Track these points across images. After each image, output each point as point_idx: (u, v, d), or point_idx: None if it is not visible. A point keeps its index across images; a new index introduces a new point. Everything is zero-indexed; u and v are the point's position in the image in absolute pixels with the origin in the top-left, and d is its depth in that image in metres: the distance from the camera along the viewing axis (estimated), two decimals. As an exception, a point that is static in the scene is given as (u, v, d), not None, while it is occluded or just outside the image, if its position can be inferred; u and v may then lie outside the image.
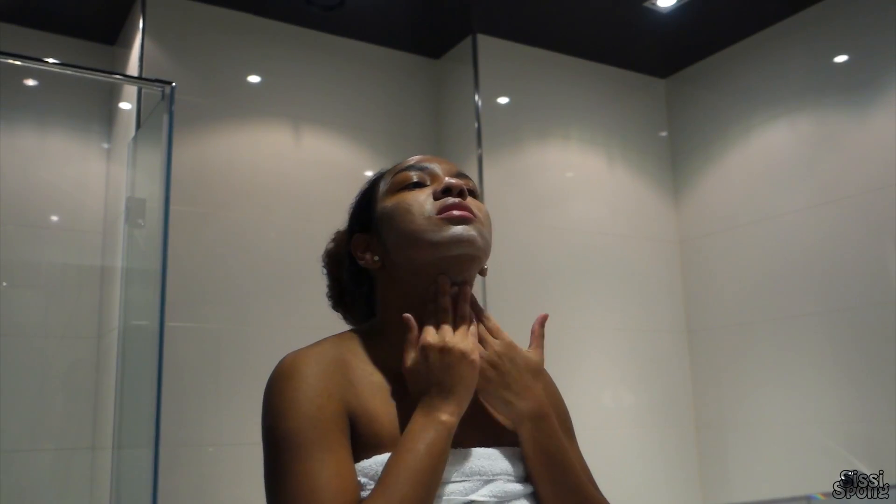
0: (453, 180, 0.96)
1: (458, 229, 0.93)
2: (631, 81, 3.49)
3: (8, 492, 2.53)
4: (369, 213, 1.03)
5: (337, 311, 1.14)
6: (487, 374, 0.93)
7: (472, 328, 0.93)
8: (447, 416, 0.87)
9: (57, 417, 2.70)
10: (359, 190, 1.09)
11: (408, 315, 0.94)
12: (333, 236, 1.15)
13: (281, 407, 0.88)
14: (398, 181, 1.00)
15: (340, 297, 1.13)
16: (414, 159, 1.03)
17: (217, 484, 2.53)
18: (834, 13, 2.90)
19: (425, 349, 0.90)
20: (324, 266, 1.14)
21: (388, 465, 0.83)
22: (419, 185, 0.99)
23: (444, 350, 0.90)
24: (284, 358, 0.94)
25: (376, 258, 1.00)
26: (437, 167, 1.01)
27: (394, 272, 0.99)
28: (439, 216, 0.94)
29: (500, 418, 0.99)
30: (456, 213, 0.94)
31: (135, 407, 2.38)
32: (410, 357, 0.92)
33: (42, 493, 2.64)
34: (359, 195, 1.08)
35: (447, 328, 0.92)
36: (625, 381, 3.15)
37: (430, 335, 0.91)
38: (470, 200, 0.97)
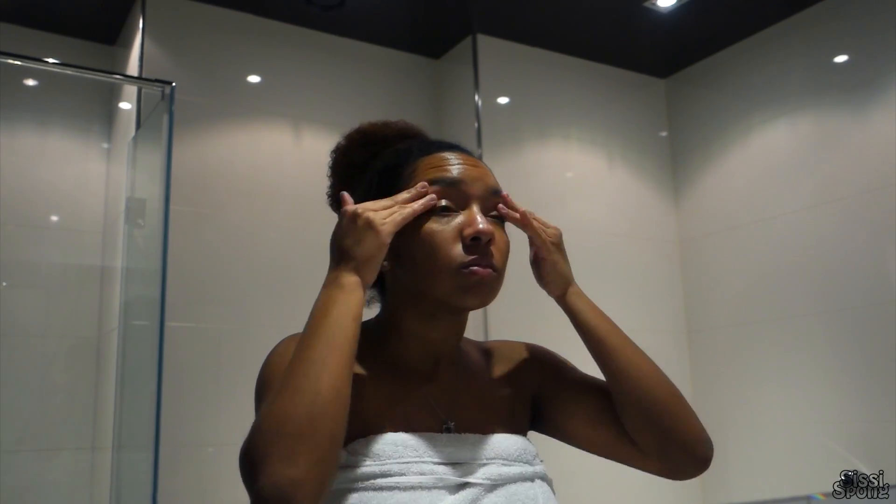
0: (483, 226, 0.92)
1: (476, 289, 0.92)
2: (631, 81, 3.49)
3: (8, 492, 2.53)
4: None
5: (336, 212, 1.10)
6: (559, 250, 1.04)
7: (404, 211, 0.90)
8: (344, 276, 0.87)
9: (57, 417, 2.70)
10: (381, 158, 1.03)
11: (344, 192, 0.95)
12: (349, 133, 1.10)
13: (268, 361, 0.94)
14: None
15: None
16: (447, 168, 0.95)
17: (217, 484, 2.53)
18: (834, 13, 2.90)
19: (341, 215, 0.91)
20: (331, 163, 1.11)
21: (302, 337, 0.85)
22: (447, 209, 0.93)
23: (355, 215, 0.89)
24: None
25: (385, 263, 0.96)
26: (470, 185, 0.95)
27: (402, 278, 0.96)
28: (463, 269, 0.91)
29: (497, 405, 1.01)
30: (480, 271, 0.91)
31: (135, 407, 2.38)
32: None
33: (42, 493, 2.64)
34: (379, 171, 1.01)
35: (376, 202, 0.91)
36: (625, 381, 3.15)
37: (352, 203, 0.91)
38: (496, 234, 0.94)
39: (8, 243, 2.67)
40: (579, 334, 1.03)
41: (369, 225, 0.88)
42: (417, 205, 0.91)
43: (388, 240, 0.89)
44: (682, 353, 3.33)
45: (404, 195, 0.92)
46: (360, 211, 0.89)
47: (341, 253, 0.89)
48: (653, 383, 0.98)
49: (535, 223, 1.02)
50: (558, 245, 1.04)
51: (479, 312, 2.77)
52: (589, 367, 1.06)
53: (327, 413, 0.79)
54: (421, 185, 0.93)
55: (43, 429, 2.66)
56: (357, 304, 0.86)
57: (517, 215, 0.99)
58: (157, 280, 2.26)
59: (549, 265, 1.03)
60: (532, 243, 1.04)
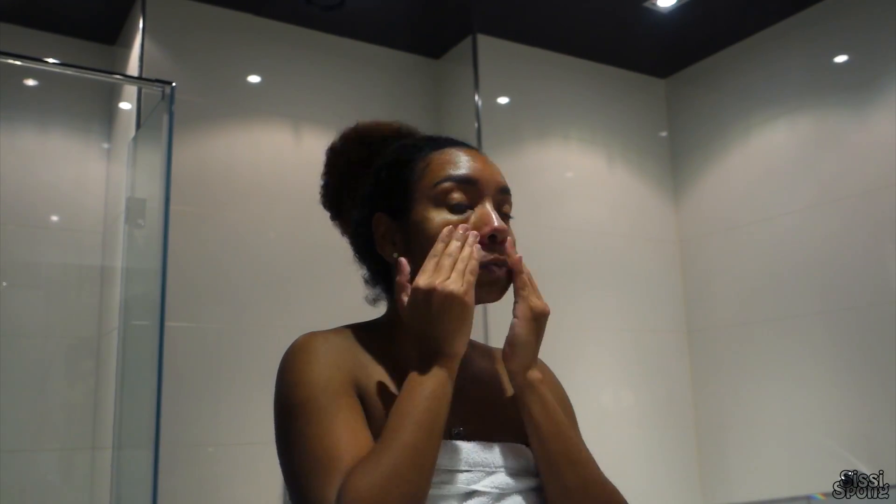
0: (499, 224, 0.94)
1: (493, 285, 0.94)
2: (631, 81, 3.49)
3: (8, 492, 2.53)
4: (399, 200, 0.98)
5: (329, 211, 1.12)
6: (538, 325, 0.95)
7: (472, 265, 0.89)
8: (443, 359, 0.88)
9: (57, 417, 2.70)
10: (389, 153, 1.03)
11: (402, 258, 0.94)
12: (344, 132, 1.11)
13: (292, 379, 0.91)
14: (440, 192, 0.96)
15: (337, 198, 1.11)
16: (461, 165, 0.96)
17: (217, 484, 2.53)
18: (834, 13, 2.90)
19: (415, 292, 0.89)
20: (327, 162, 1.11)
21: (392, 414, 0.85)
22: (461, 206, 0.95)
23: (431, 292, 0.88)
24: (298, 337, 0.96)
25: (396, 255, 0.98)
26: (484, 183, 0.96)
27: (413, 275, 0.96)
28: (480, 267, 0.92)
29: (502, 412, 1.00)
30: (497, 270, 0.94)
31: (135, 407, 2.38)
32: (405, 300, 0.91)
33: (42, 493, 2.64)
34: (388, 164, 1.01)
35: (440, 269, 0.89)
36: (625, 382, 3.15)
37: (421, 277, 0.89)
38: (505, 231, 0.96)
39: (8, 243, 2.67)
40: (524, 423, 0.96)
41: (453, 298, 0.87)
42: (476, 253, 0.91)
43: (473, 305, 0.90)
44: (682, 353, 3.33)
45: (455, 243, 0.91)
46: (437, 288, 0.88)
47: (433, 333, 0.88)
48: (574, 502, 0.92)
49: (528, 280, 0.97)
50: (539, 320, 0.96)
51: (478, 314, 2.76)
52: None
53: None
54: (474, 235, 0.92)
55: (43, 429, 2.66)
56: (448, 388, 0.87)
57: (515, 258, 0.96)
58: (156, 280, 2.26)
59: (520, 334, 0.94)
60: (515, 301, 0.97)
